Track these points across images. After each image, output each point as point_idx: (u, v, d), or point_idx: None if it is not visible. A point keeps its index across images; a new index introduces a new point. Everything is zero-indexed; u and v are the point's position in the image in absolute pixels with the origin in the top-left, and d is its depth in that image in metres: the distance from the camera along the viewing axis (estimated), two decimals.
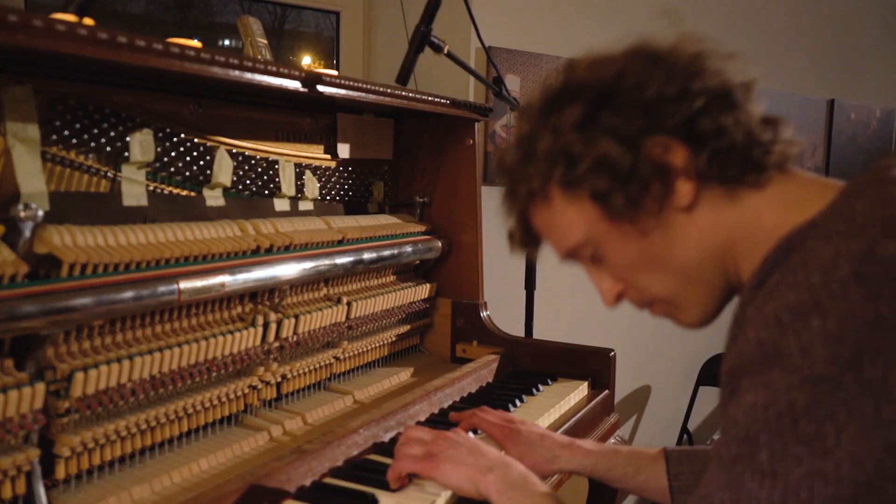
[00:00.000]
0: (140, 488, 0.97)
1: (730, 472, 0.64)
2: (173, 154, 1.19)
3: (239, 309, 1.21)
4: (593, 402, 1.46)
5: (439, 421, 1.28)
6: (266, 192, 1.37)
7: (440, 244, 1.66)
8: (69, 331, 0.95)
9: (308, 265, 1.27)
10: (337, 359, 1.42)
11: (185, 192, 1.22)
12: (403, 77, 1.47)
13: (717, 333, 2.85)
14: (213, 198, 1.27)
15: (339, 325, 1.39)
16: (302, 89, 1.16)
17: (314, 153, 1.49)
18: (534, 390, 1.46)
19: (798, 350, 0.61)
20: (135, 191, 1.13)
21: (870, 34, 3.89)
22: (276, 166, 1.39)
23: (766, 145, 0.76)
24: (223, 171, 1.26)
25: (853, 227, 0.65)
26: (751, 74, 0.77)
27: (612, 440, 1.49)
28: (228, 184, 1.28)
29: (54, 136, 1.02)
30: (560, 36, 2.36)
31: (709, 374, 3.05)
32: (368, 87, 1.30)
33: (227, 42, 2.27)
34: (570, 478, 1.24)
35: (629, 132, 0.75)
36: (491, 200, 2.08)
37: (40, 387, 0.88)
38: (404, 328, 1.62)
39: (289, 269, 1.23)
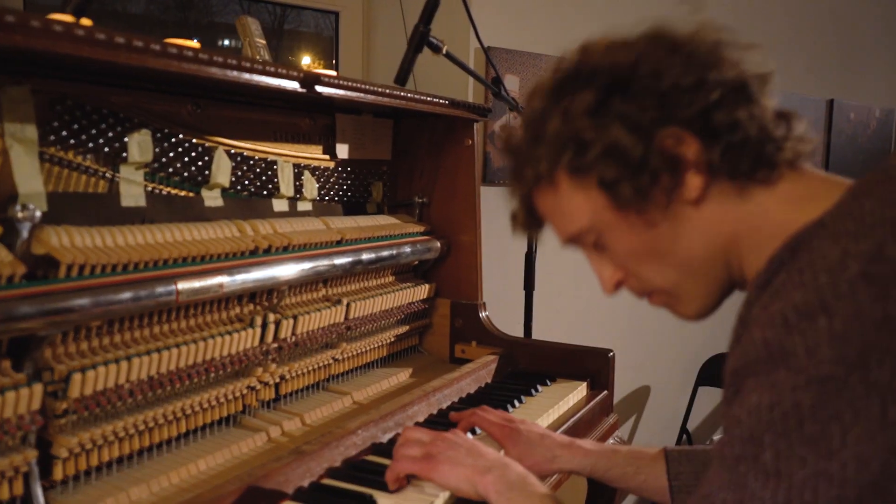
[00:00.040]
0: (138, 489, 0.97)
1: (733, 472, 0.64)
2: (171, 154, 1.19)
3: (237, 310, 1.20)
4: (592, 403, 1.45)
5: (438, 422, 1.28)
6: (265, 192, 1.37)
7: (439, 244, 1.66)
8: (67, 332, 0.95)
9: (306, 266, 1.27)
10: (335, 359, 1.42)
11: (183, 193, 1.22)
12: (402, 77, 1.47)
13: (717, 333, 2.87)
14: (212, 198, 1.27)
15: (337, 325, 1.38)
16: (300, 90, 1.16)
17: (313, 153, 1.49)
18: (533, 391, 1.46)
19: (804, 350, 0.60)
20: (133, 191, 1.13)
21: (869, 34, 3.89)
22: (275, 167, 1.38)
23: (779, 141, 0.75)
24: (221, 171, 1.26)
25: (862, 226, 0.64)
26: (767, 66, 0.76)
27: (610, 440, 1.49)
28: (227, 184, 1.28)
29: (52, 137, 1.02)
30: (559, 36, 2.36)
31: (708, 374, 3.05)
32: (367, 87, 1.30)
33: (226, 42, 2.27)
34: (569, 478, 1.24)
35: (642, 121, 0.73)
36: (490, 201, 2.08)
37: (38, 388, 0.88)
38: (403, 329, 1.62)
39: (287, 270, 1.23)
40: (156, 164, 1.16)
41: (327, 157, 1.53)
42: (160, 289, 1.01)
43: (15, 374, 0.87)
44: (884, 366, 0.58)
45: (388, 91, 1.35)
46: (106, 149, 1.09)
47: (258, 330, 1.20)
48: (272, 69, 1.10)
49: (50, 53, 0.84)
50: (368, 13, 2.32)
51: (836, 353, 0.59)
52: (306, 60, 2.42)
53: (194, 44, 0.99)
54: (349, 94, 1.27)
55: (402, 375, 1.54)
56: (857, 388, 0.58)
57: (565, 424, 1.34)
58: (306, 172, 1.46)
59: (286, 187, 1.41)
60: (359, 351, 1.48)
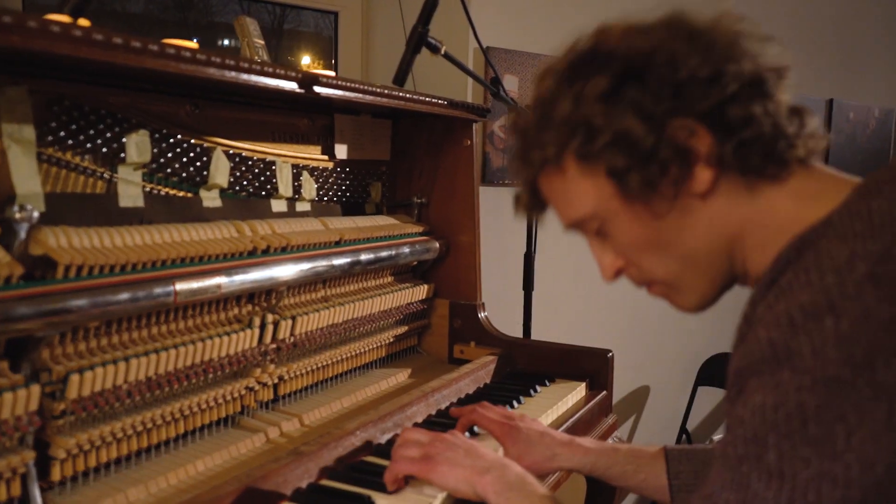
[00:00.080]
0: (136, 490, 0.96)
1: (736, 471, 0.64)
2: (170, 155, 1.19)
3: (236, 310, 1.20)
4: (591, 404, 1.45)
5: (437, 422, 1.28)
6: (263, 193, 1.37)
7: (438, 245, 1.66)
8: (65, 332, 0.95)
9: (305, 266, 1.27)
10: (334, 360, 1.41)
11: (181, 194, 1.21)
12: (400, 78, 1.47)
13: (717, 333, 2.87)
14: (210, 199, 1.26)
15: (336, 326, 1.38)
16: (298, 90, 1.16)
17: (311, 154, 1.49)
18: (531, 391, 1.45)
19: (810, 351, 0.60)
20: (131, 192, 1.13)
21: (869, 34, 3.89)
22: (273, 167, 1.38)
23: (791, 139, 0.74)
24: (220, 172, 1.26)
25: (870, 227, 0.64)
26: (784, 59, 0.75)
27: (609, 441, 1.49)
28: (225, 185, 1.28)
29: (50, 137, 1.02)
30: (558, 36, 2.35)
31: (708, 374, 3.05)
32: (365, 87, 1.30)
33: (226, 42, 2.27)
34: (569, 478, 1.24)
35: (655, 111, 0.72)
36: (489, 201, 2.08)
37: (35, 389, 0.88)
38: (402, 329, 1.62)
39: (286, 271, 1.23)
40: (154, 165, 1.16)
41: (326, 157, 1.53)
42: (158, 289, 1.01)
43: (13, 375, 0.87)
44: (890, 367, 0.58)
45: (386, 91, 1.35)
46: (104, 149, 1.09)
47: (256, 331, 1.20)
48: (270, 70, 1.10)
49: (47, 54, 0.84)
50: (367, 13, 2.32)
51: (843, 355, 0.59)
52: (306, 60, 2.42)
53: (192, 44, 0.99)
54: (347, 94, 1.26)
55: (401, 376, 1.54)
56: (863, 390, 0.58)
57: (564, 425, 1.34)
58: (305, 173, 1.46)
59: (285, 188, 1.41)
60: (358, 351, 1.48)
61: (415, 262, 1.65)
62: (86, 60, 0.88)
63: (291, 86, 1.15)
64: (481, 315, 1.67)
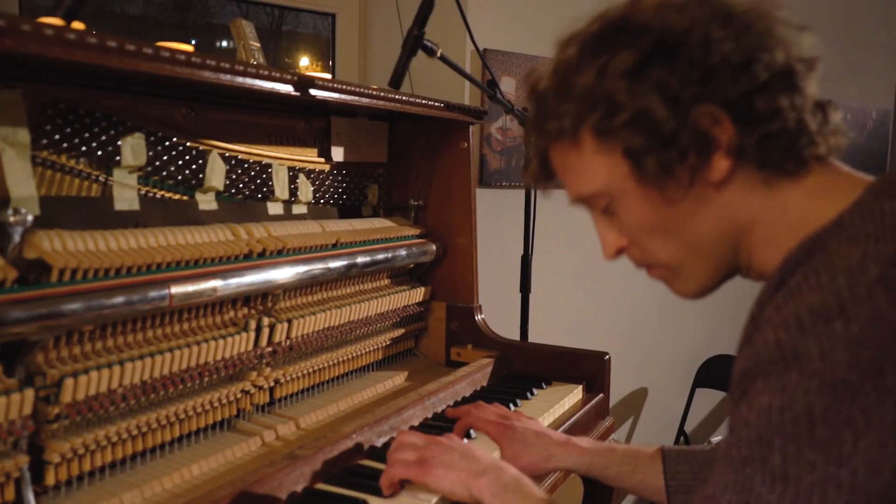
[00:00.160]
0: (131, 494, 0.96)
1: (739, 473, 0.63)
2: (165, 158, 1.18)
3: (231, 313, 1.20)
4: (588, 406, 1.45)
5: (433, 425, 1.28)
6: (259, 195, 1.37)
7: (434, 247, 1.65)
8: (59, 336, 0.95)
9: (301, 269, 1.27)
10: (331, 363, 1.41)
11: (177, 197, 1.21)
12: (396, 80, 1.47)
13: (715, 335, 2.87)
14: (206, 202, 1.26)
15: (332, 329, 1.38)
16: (294, 93, 1.16)
17: (308, 156, 1.49)
18: (528, 394, 1.45)
19: (818, 353, 0.60)
20: (126, 195, 1.13)
21: (866, 36, 3.90)
22: (270, 170, 1.38)
23: (814, 136, 0.72)
24: (216, 174, 1.26)
25: (882, 229, 0.63)
26: (816, 51, 0.73)
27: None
28: (221, 187, 1.28)
29: (45, 141, 1.01)
30: (556, 38, 2.35)
31: (706, 375, 3.05)
32: (361, 90, 1.30)
33: (224, 43, 2.27)
34: (566, 479, 1.24)
35: (681, 95, 0.70)
36: (486, 203, 2.08)
37: (29, 393, 0.87)
38: (399, 332, 1.62)
39: (282, 274, 1.23)
40: (149, 168, 1.16)
41: (322, 159, 1.52)
42: (153, 293, 1.00)
43: (7, 379, 0.87)
44: None
45: (382, 94, 1.34)
46: (99, 152, 1.08)
47: (252, 334, 1.19)
48: (265, 73, 1.10)
49: (41, 58, 0.83)
50: (365, 15, 2.32)
51: (852, 358, 0.58)
52: (304, 62, 2.42)
53: (188, 47, 0.99)
54: (343, 97, 1.26)
55: (398, 379, 1.53)
56: (871, 394, 0.58)
57: (561, 427, 1.34)
58: (301, 175, 1.46)
59: (281, 190, 1.40)
60: (354, 354, 1.48)
61: (411, 265, 1.65)
62: (80, 64, 0.87)
63: (287, 89, 1.15)
64: (478, 317, 1.67)
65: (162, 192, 1.19)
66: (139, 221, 1.14)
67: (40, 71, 0.98)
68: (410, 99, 1.42)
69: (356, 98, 1.29)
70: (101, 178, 1.09)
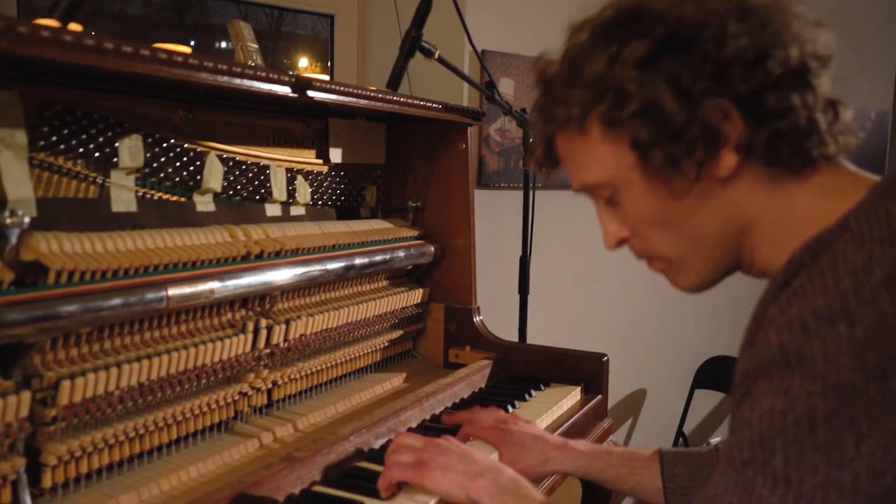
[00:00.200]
0: (128, 497, 0.96)
1: (740, 475, 0.63)
2: (163, 159, 1.18)
3: (229, 315, 1.20)
4: (586, 408, 1.45)
5: (431, 427, 1.28)
6: (257, 197, 1.37)
7: (433, 249, 1.65)
8: (56, 338, 0.95)
9: (299, 271, 1.27)
10: (329, 365, 1.41)
11: (174, 198, 1.21)
12: (394, 82, 1.47)
13: (714, 336, 2.86)
14: (204, 203, 1.26)
15: (330, 330, 1.38)
16: (291, 95, 1.16)
17: (306, 158, 1.49)
18: (526, 396, 1.45)
19: (822, 356, 0.59)
20: (124, 196, 1.13)
21: (864, 37, 3.90)
22: (268, 171, 1.38)
23: (823, 135, 0.72)
24: (213, 176, 1.26)
25: (889, 231, 0.63)
26: (830, 48, 0.72)
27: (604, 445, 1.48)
28: (219, 189, 1.27)
29: (42, 142, 1.01)
30: (555, 39, 2.35)
31: (705, 377, 3.05)
32: (359, 92, 1.29)
33: (223, 44, 2.27)
34: (564, 482, 1.24)
35: (692, 88, 0.69)
36: (485, 204, 2.08)
37: (26, 395, 0.87)
38: (397, 333, 1.62)
39: (279, 275, 1.22)
40: (147, 170, 1.16)
41: (320, 161, 1.52)
42: (150, 295, 1.00)
43: (3, 382, 0.87)
44: None
45: (380, 96, 1.34)
46: (96, 154, 1.08)
47: (250, 336, 1.19)
48: (263, 74, 1.09)
49: (38, 60, 0.83)
50: (363, 16, 2.32)
51: (856, 361, 0.58)
52: (303, 63, 2.42)
53: (185, 48, 0.99)
54: (341, 98, 1.26)
55: (396, 380, 1.53)
56: (874, 398, 0.58)
57: (559, 429, 1.34)
58: (299, 177, 1.46)
59: (279, 192, 1.40)
60: (352, 356, 1.48)
61: (410, 266, 1.65)
62: (77, 65, 0.87)
63: (284, 90, 1.14)
64: (476, 319, 1.67)
65: (159, 194, 1.19)
66: (136, 223, 1.14)
67: (37, 72, 0.98)
68: (408, 100, 1.42)
69: (354, 99, 1.29)
70: (99, 180, 1.09)
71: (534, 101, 0.82)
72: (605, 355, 1.55)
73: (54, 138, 1.02)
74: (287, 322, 1.26)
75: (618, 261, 2.69)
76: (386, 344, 1.58)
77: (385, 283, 1.61)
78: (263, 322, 1.22)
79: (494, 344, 1.64)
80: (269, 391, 1.28)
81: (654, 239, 0.79)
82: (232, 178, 1.31)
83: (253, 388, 1.23)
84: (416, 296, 1.64)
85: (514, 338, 1.83)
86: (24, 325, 0.85)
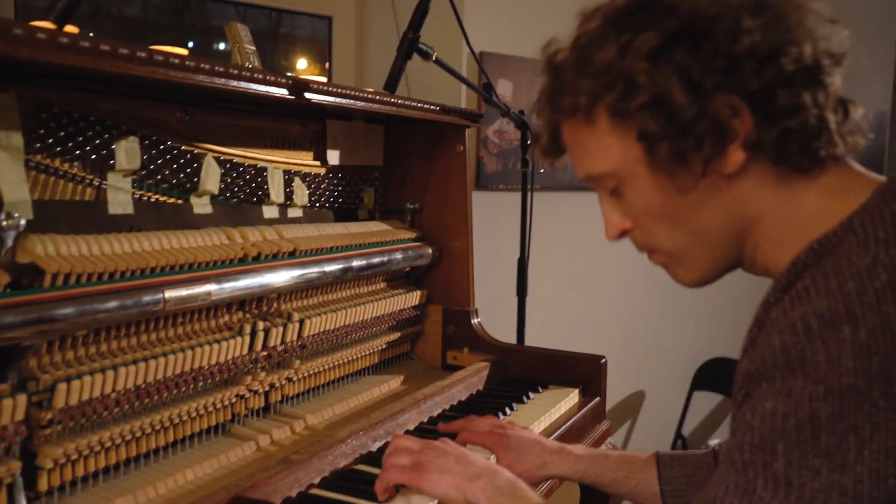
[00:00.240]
0: (124, 500, 0.96)
1: (741, 477, 0.63)
2: (160, 161, 1.18)
3: (226, 318, 1.20)
4: (584, 410, 1.45)
5: (429, 430, 1.27)
6: (254, 199, 1.37)
7: (431, 251, 1.65)
8: (52, 341, 0.94)
9: (296, 273, 1.27)
10: (326, 367, 1.41)
11: (171, 200, 1.21)
12: (391, 84, 1.47)
13: (713, 338, 2.86)
14: (201, 205, 1.26)
15: (328, 332, 1.38)
16: (289, 97, 1.15)
17: (303, 160, 1.49)
18: (524, 398, 1.45)
19: (825, 359, 0.59)
20: (120, 199, 1.12)
21: (862, 38, 3.90)
22: (265, 173, 1.38)
23: (833, 135, 0.71)
24: (210, 178, 1.26)
25: (893, 234, 0.63)
26: (844, 45, 0.72)
27: (602, 448, 1.48)
28: (216, 191, 1.27)
29: (38, 144, 1.01)
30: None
31: (703, 378, 3.05)
32: (356, 94, 1.29)
33: (222, 46, 2.26)
34: (561, 485, 1.24)
35: (703, 83, 0.68)
36: (483, 206, 2.08)
37: (22, 398, 0.87)
38: (395, 335, 1.61)
39: (277, 277, 1.22)
40: (144, 172, 1.16)
41: (318, 163, 1.52)
42: (147, 297, 1.00)
43: None
44: None
45: (377, 97, 1.34)
46: (93, 156, 1.08)
47: (247, 338, 1.19)
48: (260, 76, 1.09)
49: (34, 61, 0.83)
50: (362, 18, 2.32)
51: (859, 365, 0.58)
52: (302, 64, 2.42)
53: (182, 50, 0.98)
54: (338, 100, 1.26)
55: (394, 382, 1.53)
56: (878, 402, 0.57)
57: (557, 432, 1.33)
58: (297, 179, 1.45)
59: (276, 194, 1.40)
60: (350, 358, 1.47)
61: (407, 268, 1.65)
62: (74, 67, 0.87)
63: (281, 92, 1.14)
64: (474, 321, 1.67)
65: (156, 196, 1.18)
66: (133, 225, 1.14)
67: (34, 74, 0.98)
68: (406, 102, 1.41)
69: (351, 101, 1.29)
70: (96, 182, 1.09)
71: (541, 88, 0.81)
72: (603, 357, 1.55)
73: (51, 140, 1.02)
74: (284, 325, 1.26)
75: (616, 262, 2.69)
76: (384, 346, 1.58)
77: (383, 285, 1.61)
78: (261, 324, 1.22)
79: (492, 346, 1.64)
80: (267, 394, 1.28)
81: (657, 232, 0.79)
82: (229, 180, 1.30)
83: (250, 390, 1.23)
84: (414, 298, 1.64)
85: (513, 340, 1.83)
86: (19, 327, 0.85)
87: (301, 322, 1.30)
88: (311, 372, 1.37)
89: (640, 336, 2.92)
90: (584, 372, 1.55)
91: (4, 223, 0.88)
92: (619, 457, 1.14)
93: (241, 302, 1.22)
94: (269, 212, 1.40)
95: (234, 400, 1.20)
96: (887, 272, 0.60)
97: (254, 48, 1.35)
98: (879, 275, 0.60)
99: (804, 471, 0.59)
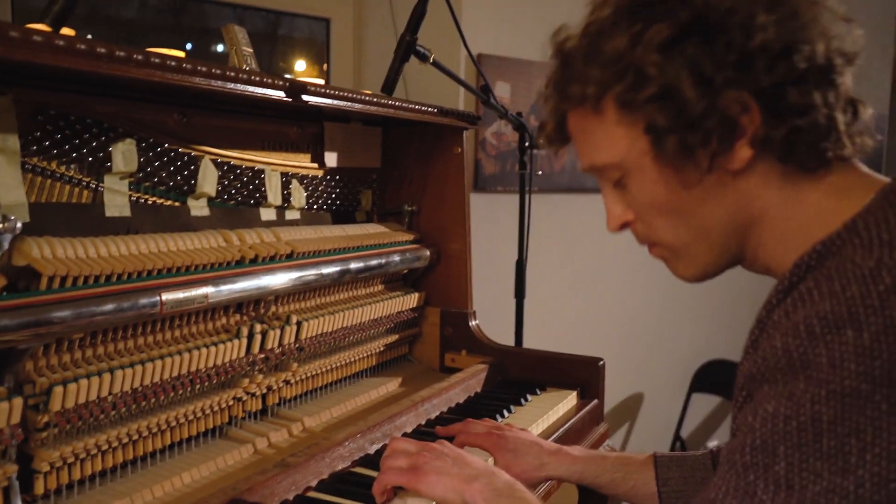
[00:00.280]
0: (121, 503, 0.95)
1: (741, 479, 0.63)
2: (157, 164, 1.18)
3: (223, 320, 1.19)
4: (582, 412, 1.45)
5: (426, 432, 1.27)
6: (252, 201, 1.36)
7: (428, 253, 1.65)
8: (48, 344, 0.94)
9: (294, 275, 1.26)
10: (324, 369, 1.41)
11: (169, 203, 1.21)
12: (389, 86, 1.47)
13: (712, 340, 2.86)
14: (198, 208, 1.26)
15: (325, 335, 1.38)
16: (286, 99, 1.15)
17: (301, 162, 1.48)
18: (522, 400, 1.45)
19: (828, 362, 0.59)
20: (117, 201, 1.12)
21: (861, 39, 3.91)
22: (262, 175, 1.38)
23: (841, 135, 0.71)
24: (208, 180, 1.25)
25: None
26: (857, 44, 0.71)
27: (601, 450, 1.48)
28: (213, 193, 1.27)
29: (35, 147, 1.01)
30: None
31: (702, 380, 3.05)
32: (354, 96, 1.29)
33: (220, 48, 2.26)
34: (559, 487, 1.23)
35: (714, 78, 0.67)
36: (481, 208, 2.08)
37: (18, 401, 0.87)
38: (393, 338, 1.61)
39: (274, 280, 1.22)
40: (141, 174, 1.15)
41: (315, 165, 1.52)
42: (144, 300, 1.00)
43: None
44: None
45: (375, 100, 1.34)
46: (90, 158, 1.08)
47: (244, 340, 1.19)
48: (257, 78, 1.09)
49: (30, 64, 0.83)
50: (359, 20, 2.32)
51: (862, 368, 0.58)
52: (301, 66, 2.42)
53: (179, 53, 0.98)
54: (335, 103, 1.26)
55: (392, 385, 1.53)
56: (880, 406, 0.57)
57: (555, 434, 1.33)
58: (294, 181, 1.45)
59: (274, 196, 1.40)
60: (348, 360, 1.47)
61: (405, 271, 1.65)
62: (70, 70, 0.87)
63: (279, 95, 1.14)
64: (472, 323, 1.67)
65: (154, 199, 1.18)
66: (130, 228, 1.13)
67: (31, 77, 0.98)
68: (403, 104, 1.41)
69: (349, 104, 1.29)
70: (92, 185, 1.09)
71: (548, 74, 0.80)
72: (601, 359, 1.55)
73: (48, 143, 1.02)
74: (282, 327, 1.26)
75: (615, 264, 2.69)
76: (381, 348, 1.58)
77: (381, 287, 1.61)
78: (258, 327, 1.21)
79: (490, 348, 1.64)
80: (264, 396, 1.27)
81: (659, 226, 0.78)
82: (226, 182, 1.30)
83: (247, 393, 1.22)
84: (412, 300, 1.63)
85: (511, 342, 1.83)
86: (16, 330, 0.85)
87: (298, 324, 1.30)
88: (309, 374, 1.37)
89: (638, 338, 2.92)
90: (582, 374, 1.55)
91: (1, 226, 0.88)
92: (617, 458, 1.14)
93: (239, 304, 1.22)
94: (267, 214, 1.40)
95: (231, 403, 1.20)
96: (891, 275, 0.60)
97: (251, 50, 1.35)
98: (883, 278, 0.60)
99: (805, 474, 0.59)
